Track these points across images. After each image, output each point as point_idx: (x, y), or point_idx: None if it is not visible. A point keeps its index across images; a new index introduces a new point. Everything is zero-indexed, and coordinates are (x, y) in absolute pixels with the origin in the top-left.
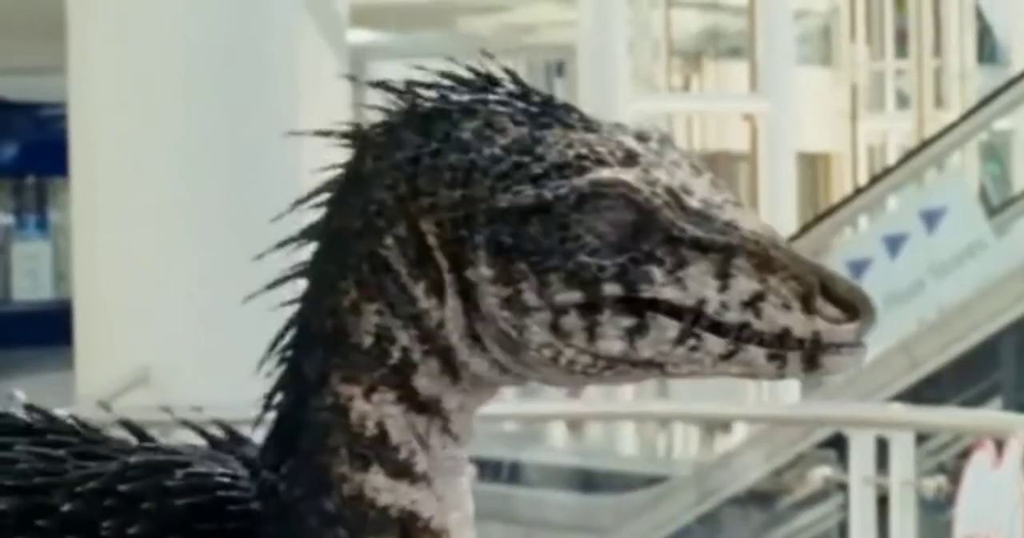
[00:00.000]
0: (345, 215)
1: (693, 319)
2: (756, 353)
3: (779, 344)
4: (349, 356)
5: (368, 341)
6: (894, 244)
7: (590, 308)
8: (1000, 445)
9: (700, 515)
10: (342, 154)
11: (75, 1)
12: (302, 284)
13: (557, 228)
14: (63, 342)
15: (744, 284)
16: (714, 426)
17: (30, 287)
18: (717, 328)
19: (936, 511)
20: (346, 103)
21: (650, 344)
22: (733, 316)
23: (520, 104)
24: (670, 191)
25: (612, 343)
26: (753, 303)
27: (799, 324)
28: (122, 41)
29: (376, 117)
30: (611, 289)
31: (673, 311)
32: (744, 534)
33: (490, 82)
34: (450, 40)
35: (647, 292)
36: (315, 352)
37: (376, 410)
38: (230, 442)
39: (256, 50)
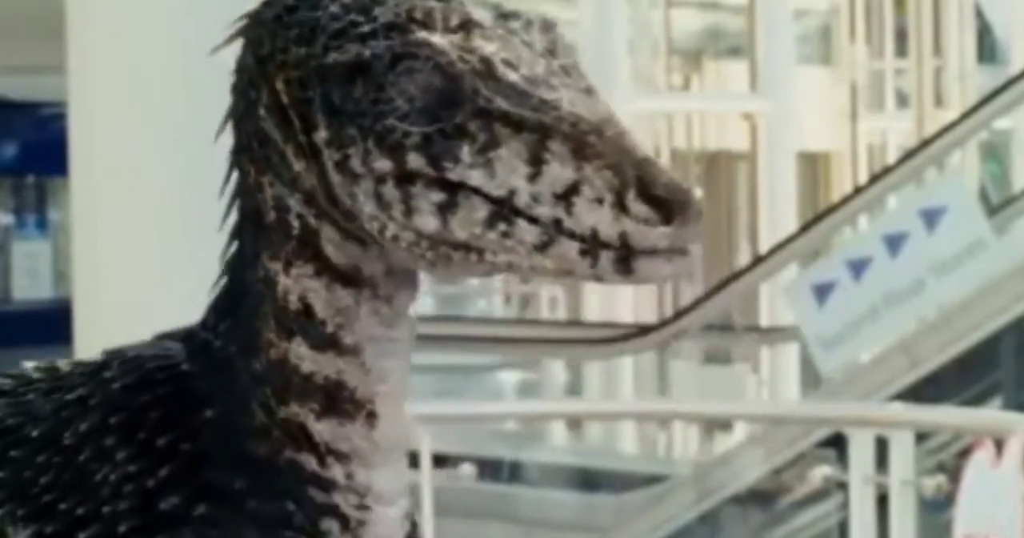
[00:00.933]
0: (234, 94)
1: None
2: (569, 246)
3: (592, 241)
4: (267, 234)
5: (272, 216)
6: (894, 243)
7: (406, 179)
8: (1000, 444)
9: (700, 514)
10: None
11: (75, 1)
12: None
13: (374, 89)
14: (63, 342)
15: (557, 172)
16: (714, 425)
17: (30, 286)
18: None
19: (936, 510)
20: None
21: (461, 224)
22: (544, 211)
23: None
24: (485, 60)
25: (426, 219)
26: (566, 196)
27: (606, 223)
28: (122, 41)
29: None
30: (415, 160)
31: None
32: (744, 533)
33: None
34: None
35: (452, 172)
36: (246, 232)
37: (297, 284)
38: (178, 333)
39: None
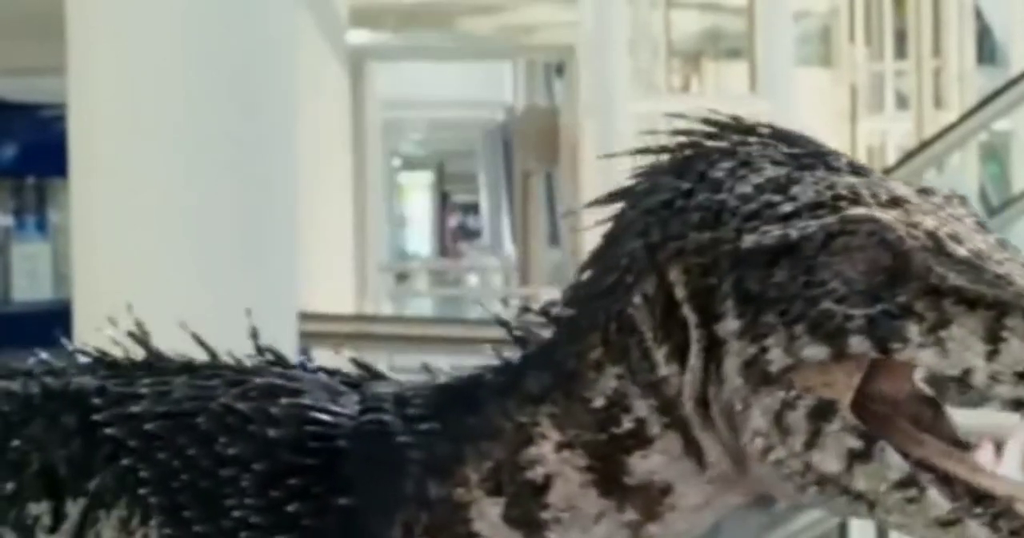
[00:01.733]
0: (600, 268)
1: (923, 470)
2: (977, 530)
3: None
4: (571, 406)
5: (599, 402)
6: None
7: (821, 414)
8: (999, 445)
9: None
10: (342, 156)
11: (75, 1)
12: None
13: (803, 272)
14: (62, 343)
15: (1018, 350)
16: None
17: (29, 288)
18: (947, 482)
19: None
20: (346, 103)
21: (868, 476)
22: (1005, 390)
23: (783, 147)
24: (932, 235)
25: (829, 459)
26: None
27: None
28: (122, 41)
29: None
30: (858, 343)
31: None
32: (744, 534)
33: (750, 128)
34: (450, 40)
35: (901, 353)
36: (544, 377)
37: (556, 462)
38: (364, 377)
39: (256, 50)
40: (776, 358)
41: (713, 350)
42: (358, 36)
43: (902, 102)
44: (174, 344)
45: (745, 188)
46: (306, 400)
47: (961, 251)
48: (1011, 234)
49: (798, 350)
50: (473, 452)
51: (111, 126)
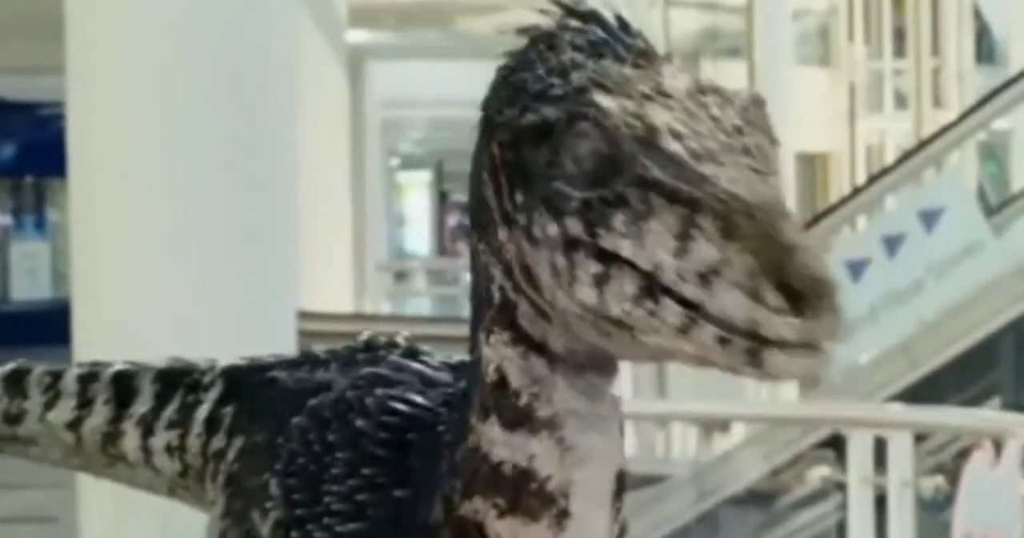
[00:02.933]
0: (475, 152)
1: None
2: (708, 333)
3: (728, 328)
4: (480, 306)
5: (483, 285)
6: (892, 244)
7: (570, 246)
8: (998, 445)
9: (699, 515)
10: (341, 155)
11: (75, 1)
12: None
13: (552, 152)
14: (62, 342)
15: (703, 251)
16: (713, 426)
17: (28, 287)
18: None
19: (934, 511)
20: (346, 102)
21: (613, 297)
22: (689, 290)
23: (598, 32)
24: (651, 128)
25: (585, 290)
26: (707, 277)
27: (740, 309)
28: (122, 41)
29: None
30: (573, 226)
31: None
32: (743, 534)
33: (585, 15)
34: (450, 40)
35: (604, 240)
36: (473, 306)
37: (495, 352)
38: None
39: (256, 50)
40: (537, 231)
41: (511, 219)
42: (358, 36)
43: (901, 101)
44: (174, 344)
45: (539, 70)
46: (396, 391)
47: (674, 146)
48: (1009, 234)
49: (544, 227)
50: (467, 404)
51: (111, 126)
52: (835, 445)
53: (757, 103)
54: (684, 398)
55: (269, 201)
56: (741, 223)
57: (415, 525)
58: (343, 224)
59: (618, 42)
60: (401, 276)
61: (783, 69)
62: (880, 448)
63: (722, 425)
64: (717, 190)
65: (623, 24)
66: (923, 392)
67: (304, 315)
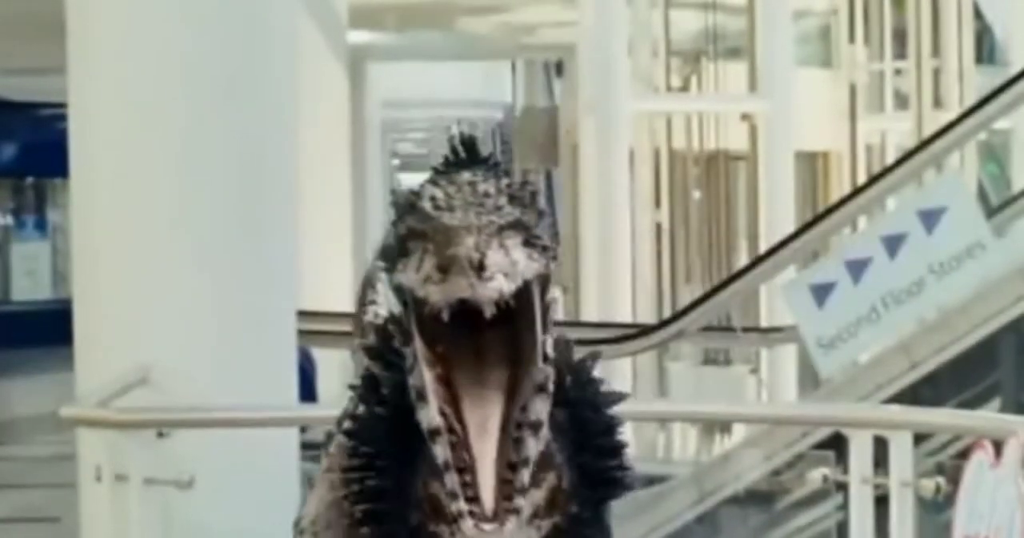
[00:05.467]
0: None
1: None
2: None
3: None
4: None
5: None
6: (893, 244)
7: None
8: (999, 446)
9: (699, 515)
10: (342, 156)
11: (75, 1)
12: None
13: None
14: (62, 342)
15: (428, 264)
16: (713, 426)
17: (29, 287)
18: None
19: (935, 511)
20: (346, 103)
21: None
22: (429, 290)
23: (461, 174)
24: (419, 197)
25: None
26: (430, 276)
27: (418, 280)
28: (122, 41)
29: None
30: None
31: None
32: (743, 534)
33: (476, 158)
34: (450, 40)
35: (394, 275)
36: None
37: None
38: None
39: (256, 50)
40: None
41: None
42: (358, 36)
43: (902, 101)
44: (174, 344)
45: (413, 196)
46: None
47: (424, 204)
48: (1010, 234)
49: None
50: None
51: (111, 127)
52: (835, 445)
53: (529, 188)
54: (684, 399)
55: (269, 201)
56: (432, 235)
57: (407, 500)
58: (343, 224)
59: (457, 167)
60: None
61: (784, 69)
62: (881, 448)
63: (723, 425)
64: (435, 224)
65: (477, 155)
66: (923, 392)
67: (304, 314)
